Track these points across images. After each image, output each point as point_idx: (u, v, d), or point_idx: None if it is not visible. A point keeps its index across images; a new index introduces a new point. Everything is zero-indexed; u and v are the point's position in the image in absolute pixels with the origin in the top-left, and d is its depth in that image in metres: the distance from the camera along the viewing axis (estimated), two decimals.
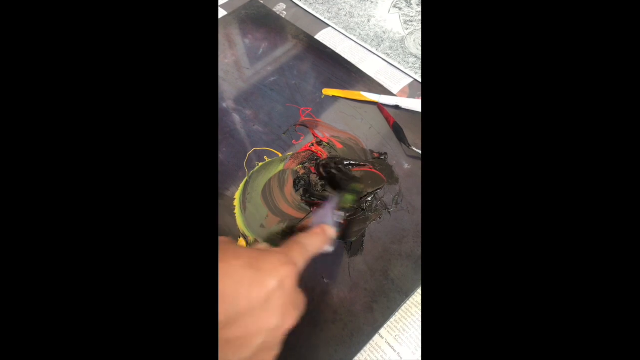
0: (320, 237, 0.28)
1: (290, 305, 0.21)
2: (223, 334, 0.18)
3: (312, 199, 0.39)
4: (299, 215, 0.38)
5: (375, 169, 0.40)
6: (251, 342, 0.19)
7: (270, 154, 0.42)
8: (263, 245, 0.27)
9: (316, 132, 0.43)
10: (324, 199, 0.39)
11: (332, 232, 0.30)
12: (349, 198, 0.37)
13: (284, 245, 0.26)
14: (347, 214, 0.37)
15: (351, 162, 0.40)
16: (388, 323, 0.32)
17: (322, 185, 0.40)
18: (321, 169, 0.40)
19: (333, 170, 0.39)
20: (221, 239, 0.22)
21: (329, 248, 0.30)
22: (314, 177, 0.40)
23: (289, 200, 0.39)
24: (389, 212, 0.37)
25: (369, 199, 0.38)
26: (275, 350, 0.21)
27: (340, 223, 0.34)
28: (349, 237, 0.36)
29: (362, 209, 0.38)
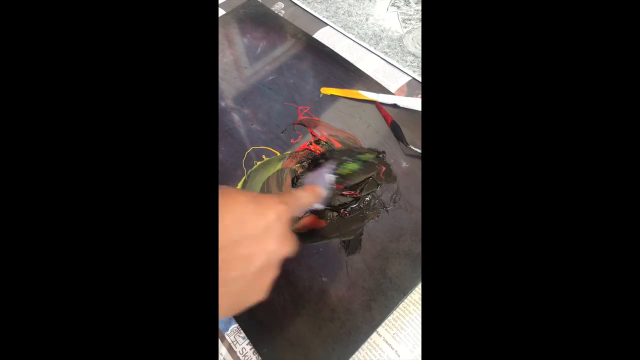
0: (311, 193, 0.31)
1: (285, 237, 0.25)
2: (233, 252, 0.22)
3: None
4: (297, 214, 0.38)
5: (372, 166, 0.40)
6: (255, 260, 0.23)
7: (268, 153, 0.42)
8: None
9: (314, 131, 0.43)
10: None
11: (322, 191, 0.32)
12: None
13: (279, 193, 0.30)
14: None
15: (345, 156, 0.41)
16: (386, 321, 0.32)
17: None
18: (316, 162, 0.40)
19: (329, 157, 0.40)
20: (222, 187, 0.25)
21: (317, 205, 0.32)
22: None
23: None
24: (387, 211, 0.37)
25: (367, 198, 0.38)
26: (274, 271, 0.24)
27: (331, 187, 0.35)
28: (347, 240, 0.36)
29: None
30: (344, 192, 0.38)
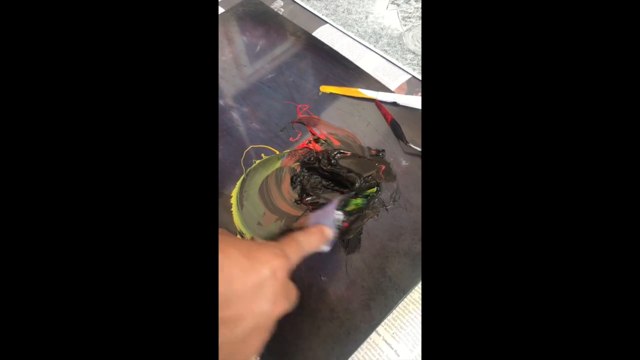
0: (317, 236, 0.28)
1: (281, 295, 0.23)
2: (220, 313, 0.20)
3: (308, 199, 0.38)
4: (296, 212, 0.38)
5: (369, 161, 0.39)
6: (243, 324, 0.21)
7: (267, 152, 0.42)
8: (260, 240, 0.27)
9: (314, 129, 0.43)
10: (320, 198, 0.38)
11: (329, 232, 0.30)
12: (356, 202, 0.36)
13: (280, 240, 0.26)
14: (349, 217, 0.36)
15: (340, 150, 0.40)
16: (385, 320, 0.32)
17: (320, 183, 0.39)
18: (316, 164, 0.40)
19: (329, 168, 0.39)
20: (220, 230, 0.23)
21: (325, 248, 0.30)
22: (314, 179, 0.40)
23: (287, 198, 0.39)
24: (387, 210, 0.37)
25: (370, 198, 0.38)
26: (265, 334, 0.22)
27: (339, 225, 0.33)
28: (346, 238, 0.36)
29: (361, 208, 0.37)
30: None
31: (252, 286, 0.21)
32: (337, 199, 0.35)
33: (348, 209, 0.36)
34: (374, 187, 0.38)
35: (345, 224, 0.35)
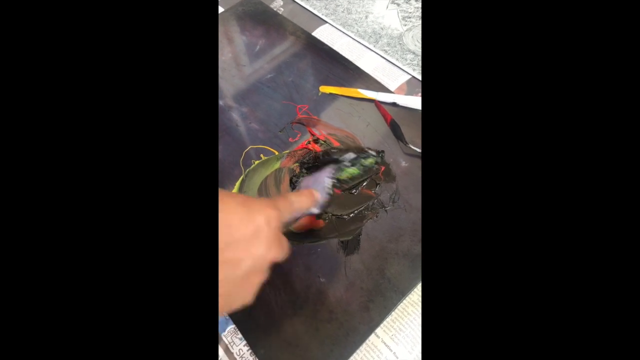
0: (307, 197, 0.30)
1: (274, 242, 0.25)
2: (220, 256, 0.21)
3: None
4: None
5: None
6: (242, 264, 0.23)
7: (266, 152, 0.42)
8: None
9: (313, 129, 0.42)
10: None
11: (318, 196, 0.31)
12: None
13: (272, 197, 0.29)
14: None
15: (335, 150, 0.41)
16: (384, 322, 0.32)
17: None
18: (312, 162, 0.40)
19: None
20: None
21: (314, 210, 0.31)
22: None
23: None
24: (386, 211, 0.37)
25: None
26: (261, 275, 0.24)
27: (329, 191, 0.34)
28: (345, 240, 0.36)
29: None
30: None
31: (249, 232, 0.23)
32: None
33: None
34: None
35: (337, 191, 0.37)
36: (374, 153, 0.39)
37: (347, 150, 0.40)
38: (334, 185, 0.36)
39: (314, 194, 0.31)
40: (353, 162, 0.39)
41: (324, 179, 0.34)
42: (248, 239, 0.23)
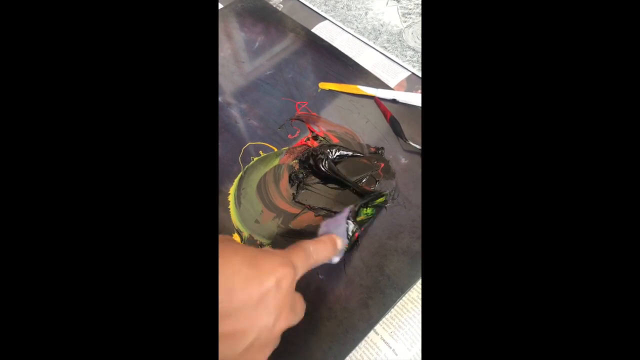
0: (328, 245, 0.27)
1: (286, 307, 0.21)
2: (218, 328, 0.19)
3: (302, 190, 0.38)
4: (294, 210, 0.37)
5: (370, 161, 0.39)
6: (244, 338, 0.19)
7: (265, 149, 0.41)
8: (266, 247, 0.26)
9: (312, 126, 0.42)
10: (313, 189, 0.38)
11: (340, 242, 0.28)
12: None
13: (288, 248, 0.25)
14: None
15: (340, 148, 0.39)
16: (383, 319, 0.32)
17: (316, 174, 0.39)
18: (310, 160, 0.39)
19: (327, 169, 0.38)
20: (220, 236, 0.22)
21: (335, 259, 0.28)
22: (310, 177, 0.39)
23: (284, 196, 0.38)
24: (385, 208, 0.37)
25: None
26: (268, 349, 0.21)
27: (350, 236, 0.32)
28: (356, 249, 0.34)
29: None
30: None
31: (254, 298, 0.19)
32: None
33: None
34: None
35: (356, 235, 0.34)
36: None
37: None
38: (355, 230, 0.33)
39: (336, 242, 0.28)
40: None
41: (346, 223, 0.31)
42: (253, 307, 0.19)
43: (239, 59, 0.49)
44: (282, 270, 0.21)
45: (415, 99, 0.42)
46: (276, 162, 0.40)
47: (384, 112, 0.42)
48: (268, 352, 0.21)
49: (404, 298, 0.32)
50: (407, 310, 0.32)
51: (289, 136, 0.42)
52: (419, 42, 0.50)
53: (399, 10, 0.53)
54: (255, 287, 0.20)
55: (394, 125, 0.41)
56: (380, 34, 0.51)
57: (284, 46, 0.50)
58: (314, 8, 0.54)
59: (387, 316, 0.32)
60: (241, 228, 0.37)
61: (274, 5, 0.55)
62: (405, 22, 0.52)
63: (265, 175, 0.40)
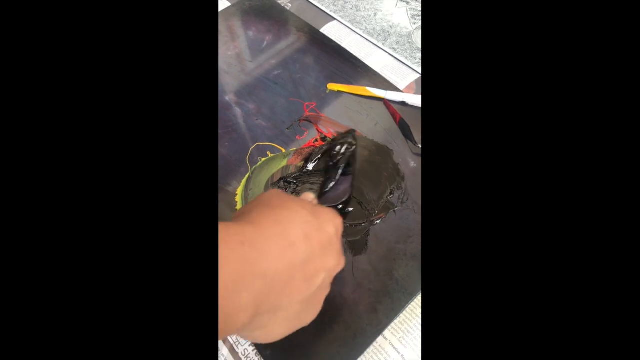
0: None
1: (341, 252, 0.24)
2: (303, 272, 0.21)
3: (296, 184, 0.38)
4: None
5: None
6: (317, 279, 0.22)
7: (273, 149, 0.41)
8: (311, 196, 0.28)
9: (320, 127, 0.42)
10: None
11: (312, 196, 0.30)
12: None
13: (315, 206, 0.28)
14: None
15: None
16: (392, 324, 0.31)
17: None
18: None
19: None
20: (274, 191, 0.24)
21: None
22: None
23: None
24: (394, 211, 0.36)
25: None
26: (327, 290, 0.23)
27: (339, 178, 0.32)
28: (353, 240, 0.35)
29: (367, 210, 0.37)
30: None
31: (323, 243, 0.22)
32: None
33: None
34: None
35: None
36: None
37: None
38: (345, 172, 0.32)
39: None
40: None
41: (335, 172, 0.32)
42: (323, 251, 0.22)
43: (246, 58, 0.49)
44: (337, 220, 0.24)
45: None
46: (284, 163, 0.40)
47: (394, 115, 0.42)
48: (326, 294, 0.23)
49: (412, 303, 0.32)
50: (416, 315, 0.32)
51: (297, 137, 0.42)
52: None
53: (408, 12, 0.53)
54: (323, 234, 0.22)
55: (404, 128, 0.40)
56: (389, 35, 0.51)
57: (292, 46, 0.49)
58: (323, 8, 0.53)
59: (395, 321, 0.31)
60: None
61: (282, 5, 0.54)
62: (414, 23, 0.52)
63: (273, 176, 0.39)
